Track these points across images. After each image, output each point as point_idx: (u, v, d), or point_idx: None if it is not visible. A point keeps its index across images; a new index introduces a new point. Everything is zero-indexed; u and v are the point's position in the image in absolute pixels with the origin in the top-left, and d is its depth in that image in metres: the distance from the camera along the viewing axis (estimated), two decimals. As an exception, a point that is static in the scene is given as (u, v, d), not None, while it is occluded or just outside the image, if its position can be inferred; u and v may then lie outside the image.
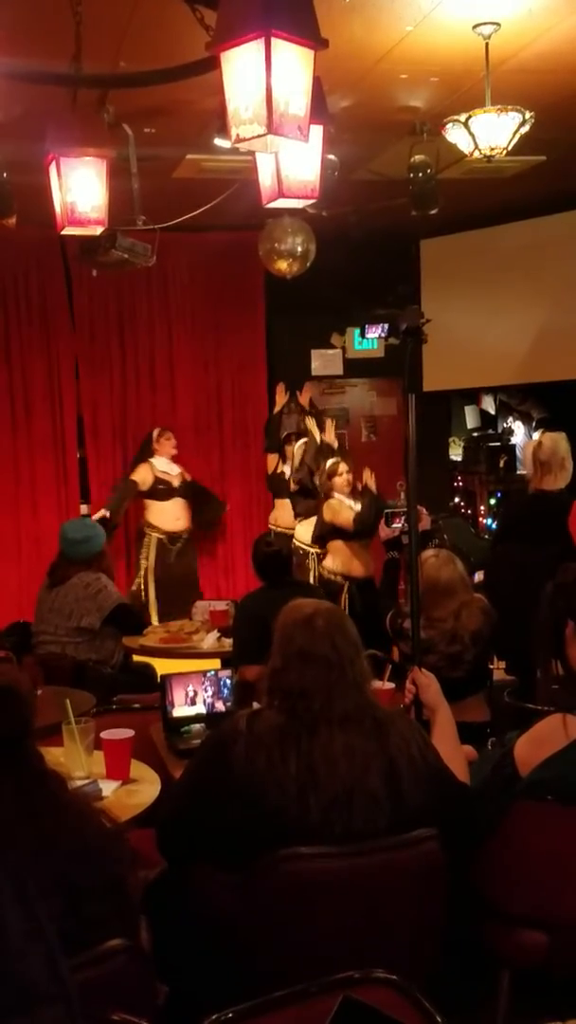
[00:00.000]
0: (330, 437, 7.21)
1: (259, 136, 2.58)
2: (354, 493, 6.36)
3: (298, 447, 7.40)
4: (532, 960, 2.40)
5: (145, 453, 7.61)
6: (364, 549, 6.24)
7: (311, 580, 6.52)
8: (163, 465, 7.53)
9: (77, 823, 1.69)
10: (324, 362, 8.80)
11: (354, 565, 6.22)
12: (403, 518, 4.13)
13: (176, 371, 8.34)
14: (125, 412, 8.22)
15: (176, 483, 7.53)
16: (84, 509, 8.09)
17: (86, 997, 1.52)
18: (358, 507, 6.19)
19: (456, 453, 9.35)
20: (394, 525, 4.21)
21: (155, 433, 7.63)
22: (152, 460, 7.52)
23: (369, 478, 6.23)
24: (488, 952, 2.49)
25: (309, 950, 2.12)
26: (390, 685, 3.35)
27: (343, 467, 6.47)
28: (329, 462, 6.65)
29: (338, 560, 6.31)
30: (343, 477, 6.41)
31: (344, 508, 6.25)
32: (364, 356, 8.75)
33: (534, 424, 9.13)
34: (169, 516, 7.50)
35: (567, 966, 2.37)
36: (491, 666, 3.84)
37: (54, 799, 1.69)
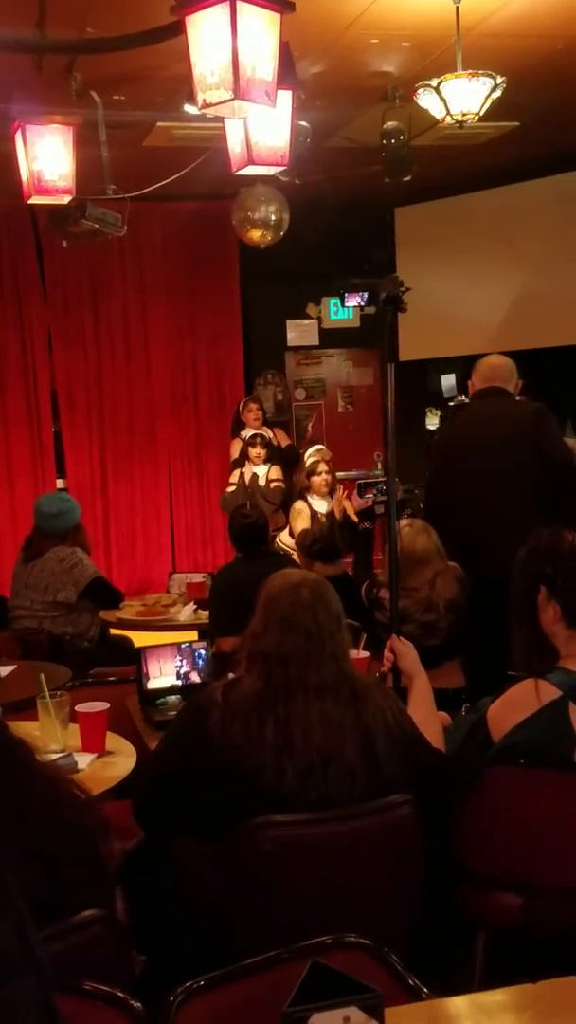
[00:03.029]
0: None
1: (226, 101, 2.56)
2: (331, 493, 6.09)
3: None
4: (507, 922, 2.42)
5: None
6: (329, 566, 5.75)
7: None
8: None
9: (47, 791, 1.68)
10: (300, 332, 8.77)
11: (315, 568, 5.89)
12: (375, 489, 4.13)
13: (151, 343, 8.28)
14: (100, 385, 8.17)
15: None
16: (60, 483, 8.07)
17: (61, 967, 1.52)
18: (323, 509, 5.98)
19: (432, 423, 9.34)
20: (366, 495, 4.20)
21: None
22: None
23: (339, 502, 5.96)
24: (464, 915, 2.51)
25: (286, 917, 2.13)
26: (365, 654, 3.36)
27: (323, 467, 6.13)
28: (310, 460, 6.31)
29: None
30: (321, 477, 6.08)
31: (304, 517, 5.95)
32: (340, 326, 8.72)
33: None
34: None
35: (541, 927, 2.39)
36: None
37: (22, 768, 1.68)
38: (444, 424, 4.82)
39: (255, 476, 7.09)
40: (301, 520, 6.03)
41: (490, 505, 3.92)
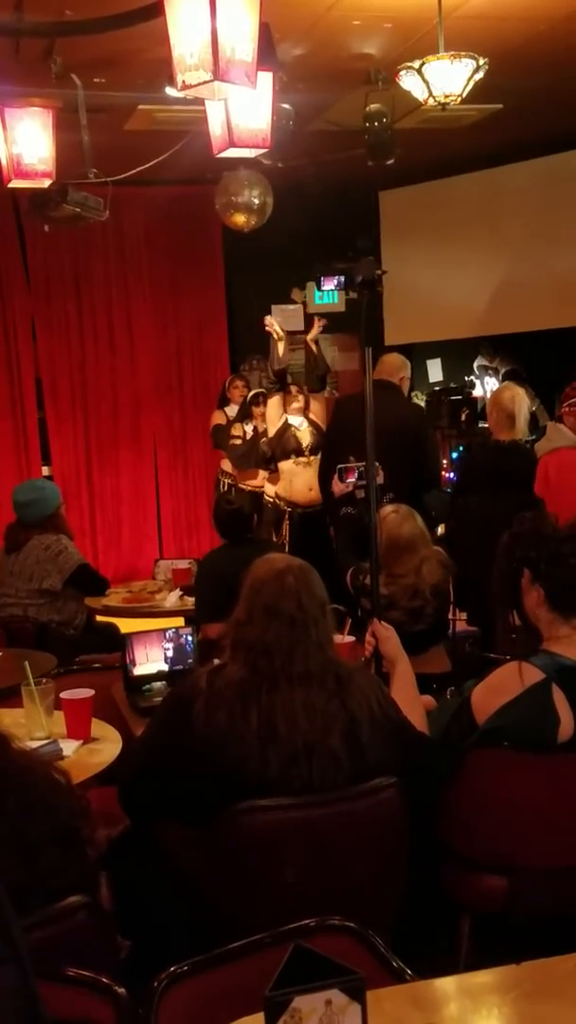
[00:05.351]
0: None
1: (205, 82, 2.54)
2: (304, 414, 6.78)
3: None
4: (492, 905, 2.43)
5: None
6: (307, 470, 6.45)
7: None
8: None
9: (22, 777, 1.67)
10: (285, 317, 8.69)
11: (294, 488, 6.50)
12: (356, 473, 4.11)
13: (135, 330, 8.24)
14: (84, 373, 8.13)
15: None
16: (46, 471, 8.03)
17: (45, 955, 1.52)
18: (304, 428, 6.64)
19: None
20: (348, 480, 4.17)
21: None
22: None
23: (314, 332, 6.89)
24: (449, 898, 2.52)
25: (271, 902, 2.14)
26: (350, 639, 3.37)
27: (294, 388, 6.83)
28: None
29: (282, 484, 6.59)
30: (299, 402, 6.76)
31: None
32: (325, 311, 8.66)
33: (501, 376, 9.12)
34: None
35: (525, 910, 2.40)
36: (451, 617, 3.87)
37: None
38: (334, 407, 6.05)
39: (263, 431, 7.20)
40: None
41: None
